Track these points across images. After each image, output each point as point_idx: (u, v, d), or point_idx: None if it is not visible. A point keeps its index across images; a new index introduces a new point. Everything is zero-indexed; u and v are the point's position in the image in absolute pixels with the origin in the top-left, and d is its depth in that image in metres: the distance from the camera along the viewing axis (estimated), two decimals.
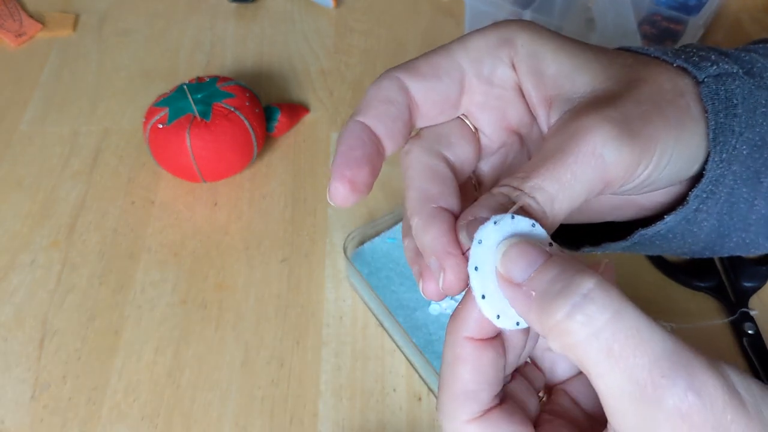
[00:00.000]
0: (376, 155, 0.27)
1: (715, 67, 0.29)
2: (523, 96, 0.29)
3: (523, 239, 0.23)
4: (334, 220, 0.55)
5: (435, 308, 0.49)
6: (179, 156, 0.53)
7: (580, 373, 0.27)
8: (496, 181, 0.29)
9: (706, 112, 0.28)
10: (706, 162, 0.29)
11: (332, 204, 0.26)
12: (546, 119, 0.28)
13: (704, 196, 0.30)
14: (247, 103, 0.55)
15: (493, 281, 0.24)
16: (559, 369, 0.28)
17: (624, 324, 0.20)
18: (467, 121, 0.30)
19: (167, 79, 0.67)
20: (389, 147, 0.27)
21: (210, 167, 0.54)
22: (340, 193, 0.26)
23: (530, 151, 0.31)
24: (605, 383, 0.21)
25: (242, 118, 0.54)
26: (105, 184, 0.58)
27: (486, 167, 0.31)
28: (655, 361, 0.20)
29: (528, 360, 0.29)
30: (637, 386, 0.20)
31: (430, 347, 0.47)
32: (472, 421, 0.24)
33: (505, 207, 0.24)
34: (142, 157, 0.60)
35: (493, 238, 0.24)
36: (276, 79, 0.67)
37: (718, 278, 0.51)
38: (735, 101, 0.29)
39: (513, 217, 0.24)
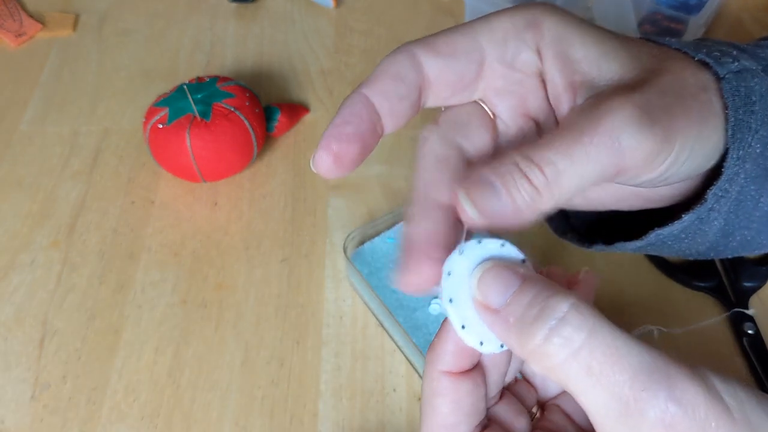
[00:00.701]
0: (370, 133, 0.26)
1: (736, 63, 0.29)
2: (544, 83, 0.28)
3: (497, 263, 0.23)
4: (334, 220, 0.55)
5: (435, 308, 0.49)
6: (179, 156, 0.53)
7: None
8: None
9: (726, 108, 0.28)
10: (722, 158, 0.29)
11: (314, 171, 0.26)
12: (569, 106, 0.27)
13: (720, 194, 0.29)
14: (247, 103, 0.55)
15: (470, 308, 0.24)
16: (552, 384, 0.28)
17: (600, 341, 0.21)
18: (485, 107, 0.29)
19: (167, 79, 0.67)
20: (389, 126, 0.27)
21: (210, 167, 0.54)
22: (324, 164, 0.25)
23: None
24: (589, 401, 0.21)
25: (242, 118, 0.54)
26: (105, 184, 0.58)
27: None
28: (634, 376, 0.20)
29: (520, 376, 0.29)
30: (619, 402, 0.20)
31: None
32: None
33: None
34: (142, 157, 0.60)
35: (463, 267, 0.24)
36: (276, 79, 0.67)
37: (718, 278, 0.50)
38: (753, 98, 0.28)
39: (480, 242, 0.24)
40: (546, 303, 0.21)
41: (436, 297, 0.49)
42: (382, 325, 0.49)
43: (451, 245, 0.25)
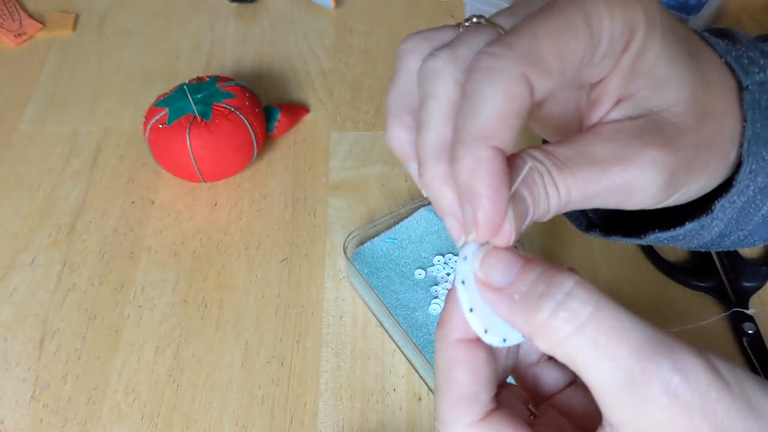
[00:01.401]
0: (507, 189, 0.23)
1: (762, 74, 0.29)
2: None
3: (499, 246, 0.24)
4: (334, 220, 0.55)
5: (435, 308, 0.49)
6: (179, 156, 0.53)
7: (565, 387, 0.28)
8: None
9: (744, 120, 0.28)
10: (734, 171, 0.29)
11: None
12: (604, 111, 0.26)
13: (727, 205, 0.30)
14: (247, 103, 0.55)
15: (479, 294, 0.24)
16: (545, 385, 0.28)
17: (606, 315, 0.21)
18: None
19: (167, 79, 0.67)
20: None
21: (210, 167, 0.54)
22: (504, 240, 0.24)
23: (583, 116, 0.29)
24: (595, 375, 0.21)
25: (242, 118, 0.54)
26: (105, 184, 0.58)
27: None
28: (639, 348, 0.21)
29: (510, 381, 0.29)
30: (625, 374, 0.21)
31: (430, 347, 0.47)
32: (473, 424, 0.24)
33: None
34: (142, 157, 0.60)
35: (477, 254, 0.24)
36: (276, 79, 0.67)
37: (718, 278, 0.50)
38: None
39: None
40: (552, 280, 0.22)
41: (436, 297, 0.49)
42: (382, 325, 0.49)
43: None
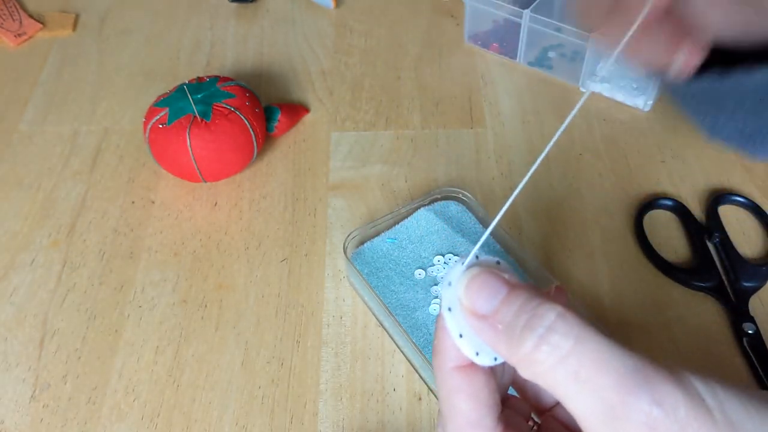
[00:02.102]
0: None
1: None
2: None
3: (483, 270, 0.24)
4: (334, 220, 0.55)
5: (435, 308, 0.49)
6: (179, 156, 0.53)
7: None
8: None
9: None
10: None
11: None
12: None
13: None
14: (247, 103, 0.55)
15: (466, 319, 0.24)
16: (546, 396, 0.29)
17: (587, 347, 0.21)
18: None
19: (167, 79, 0.67)
20: None
21: (210, 167, 0.54)
22: None
23: None
24: (576, 406, 0.21)
25: (242, 118, 0.54)
26: (105, 184, 0.58)
27: None
28: (619, 380, 0.21)
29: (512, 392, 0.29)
30: (606, 406, 0.21)
31: (430, 347, 0.47)
32: None
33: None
34: (142, 157, 0.60)
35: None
36: (276, 79, 0.67)
37: (718, 278, 0.51)
38: None
39: (477, 257, 0.25)
40: (534, 312, 0.22)
41: (436, 297, 0.49)
42: (382, 325, 0.49)
43: None
